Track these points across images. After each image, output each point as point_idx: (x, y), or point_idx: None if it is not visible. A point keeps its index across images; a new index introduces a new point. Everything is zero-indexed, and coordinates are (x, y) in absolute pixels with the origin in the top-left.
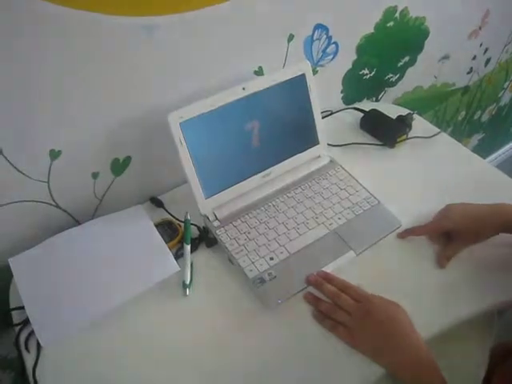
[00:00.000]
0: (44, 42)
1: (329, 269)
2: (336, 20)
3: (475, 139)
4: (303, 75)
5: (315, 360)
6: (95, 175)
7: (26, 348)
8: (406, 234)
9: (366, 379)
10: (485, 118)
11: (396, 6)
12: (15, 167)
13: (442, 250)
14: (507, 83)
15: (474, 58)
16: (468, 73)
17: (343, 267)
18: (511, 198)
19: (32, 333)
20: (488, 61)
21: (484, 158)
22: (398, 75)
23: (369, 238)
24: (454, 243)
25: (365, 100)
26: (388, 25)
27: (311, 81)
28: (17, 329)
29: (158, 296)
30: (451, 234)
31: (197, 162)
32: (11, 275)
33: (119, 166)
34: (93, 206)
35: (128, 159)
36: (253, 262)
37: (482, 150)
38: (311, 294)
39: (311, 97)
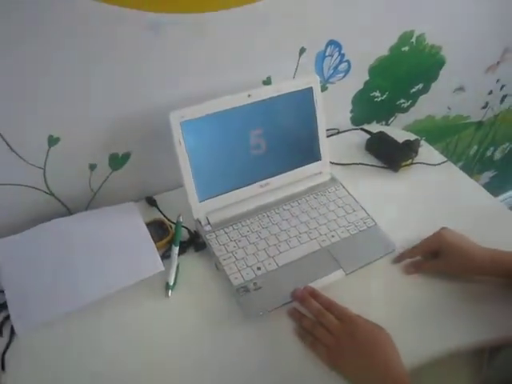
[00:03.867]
0: (52, 32)
1: (316, 285)
2: (350, 38)
3: (486, 177)
4: (311, 89)
5: (290, 377)
6: (92, 167)
7: (0, 332)
8: (399, 259)
9: None
10: (497, 156)
11: (413, 31)
12: (12, 149)
13: (418, 261)
14: None
15: (490, 92)
16: (483, 107)
17: (331, 285)
18: None
19: (8, 317)
20: (504, 98)
21: (495, 196)
22: (410, 101)
23: (361, 258)
24: (436, 262)
25: (374, 123)
26: (403, 49)
27: (318, 95)
28: None
29: (140, 294)
30: (438, 255)
31: (194, 164)
32: None
33: (118, 161)
34: (87, 197)
35: (127, 155)
36: (239, 270)
37: (492, 188)
38: (296, 310)
39: (317, 112)
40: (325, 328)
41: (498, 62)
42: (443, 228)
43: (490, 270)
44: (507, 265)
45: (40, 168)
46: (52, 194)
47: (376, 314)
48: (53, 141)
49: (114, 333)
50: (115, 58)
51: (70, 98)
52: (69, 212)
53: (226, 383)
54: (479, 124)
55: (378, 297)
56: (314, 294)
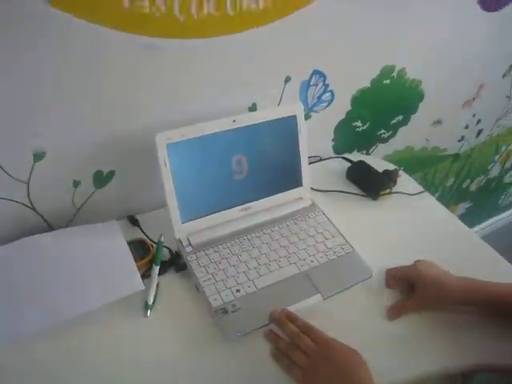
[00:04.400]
0: (42, 45)
1: (294, 309)
2: (334, 69)
3: (462, 207)
4: (294, 116)
5: None
6: (76, 183)
7: None
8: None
9: None
10: (473, 187)
11: (394, 66)
12: None
13: (398, 303)
14: (497, 156)
15: (467, 127)
16: (459, 140)
17: (309, 309)
18: (487, 267)
19: None
20: (480, 132)
21: (470, 227)
22: (390, 132)
23: (338, 283)
24: (413, 301)
25: (355, 152)
26: (384, 82)
27: (302, 123)
28: None
29: (118, 312)
30: (415, 289)
31: (178, 186)
32: None
33: (102, 179)
34: (69, 214)
35: (111, 173)
36: (219, 292)
37: (468, 219)
38: (272, 332)
39: (300, 139)
40: (301, 351)
41: (474, 98)
42: (418, 261)
43: (464, 299)
44: (479, 293)
45: (24, 182)
46: (34, 210)
47: (351, 338)
48: (38, 156)
49: (91, 351)
50: (104, 79)
51: (57, 114)
52: (50, 228)
53: None
54: (456, 156)
55: (354, 321)
56: (290, 317)
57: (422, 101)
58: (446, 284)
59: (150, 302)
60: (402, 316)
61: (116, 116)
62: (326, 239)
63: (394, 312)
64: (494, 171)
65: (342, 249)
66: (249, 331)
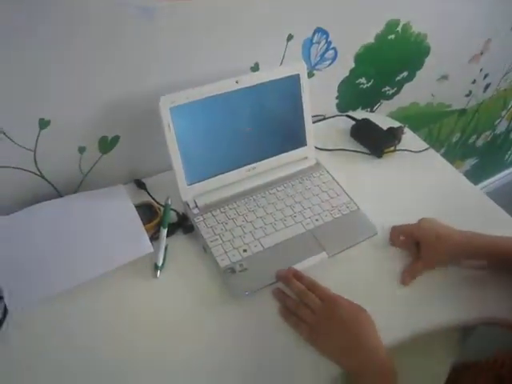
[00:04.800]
0: (42, 14)
1: (300, 267)
2: (337, 26)
3: (468, 164)
4: (298, 75)
5: (275, 355)
6: (82, 150)
7: None
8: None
9: (324, 378)
10: (479, 143)
11: (399, 20)
12: (3, 131)
13: (409, 267)
14: (504, 112)
15: (474, 81)
16: (466, 95)
17: (314, 267)
18: (492, 223)
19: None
20: (487, 87)
21: (476, 183)
22: (394, 89)
23: (343, 241)
24: (422, 261)
25: (359, 109)
26: (389, 37)
27: (305, 82)
28: None
29: (129, 274)
30: (420, 248)
31: (182, 149)
32: None
33: (107, 144)
34: (77, 180)
35: (116, 138)
36: (226, 252)
37: (475, 174)
38: (279, 290)
39: (303, 98)
40: (307, 308)
41: (482, 52)
42: (422, 219)
43: (469, 252)
44: (485, 247)
45: (30, 150)
46: (42, 176)
47: (357, 294)
48: (44, 123)
49: (105, 312)
50: (106, 43)
51: (61, 82)
52: (59, 194)
53: (214, 360)
54: (462, 112)
55: (359, 278)
56: (297, 275)
57: (427, 56)
58: (450, 239)
59: (160, 264)
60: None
61: (118, 82)
62: (331, 198)
63: (408, 276)
64: (501, 127)
65: (347, 207)
66: (256, 290)
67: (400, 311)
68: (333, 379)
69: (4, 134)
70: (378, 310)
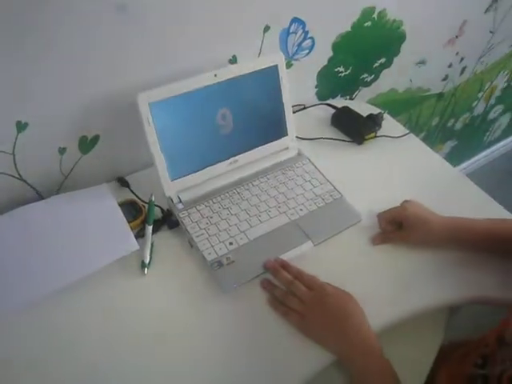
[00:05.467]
0: (17, 14)
1: (286, 257)
2: (313, 15)
3: (448, 146)
4: (276, 66)
5: (267, 345)
6: (62, 151)
7: None
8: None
9: (317, 365)
10: (458, 125)
11: (374, 7)
12: None
13: (385, 232)
14: (481, 93)
15: (450, 65)
16: (443, 80)
17: (301, 256)
18: (472, 204)
19: None
20: (463, 70)
21: (456, 165)
22: (373, 76)
23: (328, 229)
24: (398, 234)
25: (339, 97)
26: (365, 25)
27: (283, 73)
28: None
29: (117, 274)
30: (402, 226)
31: (164, 144)
32: None
33: (87, 144)
34: (58, 181)
35: (96, 138)
36: (212, 246)
37: (455, 157)
38: (267, 280)
39: (282, 89)
40: (296, 297)
41: (457, 36)
42: (406, 201)
43: (449, 236)
44: (465, 231)
45: (9, 154)
46: (23, 180)
47: (344, 281)
48: (21, 126)
49: (93, 313)
50: (82, 41)
51: (37, 83)
52: (41, 197)
53: (207, 353)
54: (440, 96)
55: (346, 265)
56: (284, 265)
57: (404, 42)
58: (431, 222)
59: (147, 261)
60: (393, 258)
61: (95, 80)
62: (314, 187)
63: (378, 238)
64: (479, 108)
65: (331, 195)
66: (244, 282)
67: (387, 296)
68: (327, 366)
69: None
70: (365, 295)
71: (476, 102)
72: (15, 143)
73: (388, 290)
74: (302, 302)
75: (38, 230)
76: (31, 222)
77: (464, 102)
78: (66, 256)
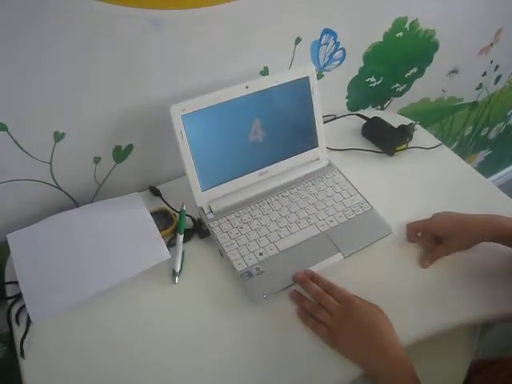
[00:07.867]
0: (55, 28)
1: (316, 269)
2: (345, 26)
3: (481, 156)
4: (307, 78)
5: (294, 357)
6: (97, 160)
7: (17, 321)
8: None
9: (344, 379)
10: (492, 135)
11: (406, 18)
12: (20, 146)
13: (427, 251)
14: None
15: (484, 74)
16: (477, 88)
17: (330, 268)
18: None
19: (23, 307)
20: (498, 78)
21: (489, 176)
22: (404, 85)
23: (358, 242)
24: (441, 247)
25: (370, 107)
26: (397, 35)
27: (315, 84)
28: (9, 302)
29: (148, 282)
30: (440, 239)
31: (196, 156)
32: (9, 251)
33: (121, 154)
34: (93, 190)
35: (130, 147)
36: (242, 256)
37: (488, 167)
38: (296, 292)
39: (314, 100)
40: (325, 310)
41: (492, 44)
42: (436, 214)
43: (490, 233)
44: (505, 228)
45: (47, 163)
46: (59, 188)
47: (373, 295)
48: (58, 136)
49: (125, 320)
50: (117, 55)
51: (74, 94)
52: (76, 204)
53: (235, 364)
54: (473, 105)
55: (376, 278)
56: (313, 277)
57: (436, 51)
58: (467, 222)
59: (178, 270)
60: (424, 271)
61: (130, 92)
62: (345, 198)
63: (427, 259)
64: None
65: (361, 207)
66: (273, 293)
67: (418, 311)
68: (355, 379)
69: (21, 148)
70: (394, 309)
71: (511, 111)
72: (52, 153)
73: (418, 304)
74: (331, 314)
75: (74, 236)
76: (66, 230)
77: (499, 111)
78: (100, 264)
